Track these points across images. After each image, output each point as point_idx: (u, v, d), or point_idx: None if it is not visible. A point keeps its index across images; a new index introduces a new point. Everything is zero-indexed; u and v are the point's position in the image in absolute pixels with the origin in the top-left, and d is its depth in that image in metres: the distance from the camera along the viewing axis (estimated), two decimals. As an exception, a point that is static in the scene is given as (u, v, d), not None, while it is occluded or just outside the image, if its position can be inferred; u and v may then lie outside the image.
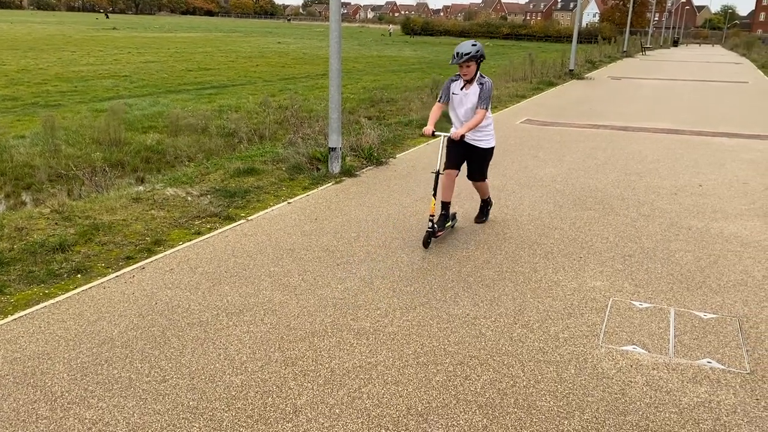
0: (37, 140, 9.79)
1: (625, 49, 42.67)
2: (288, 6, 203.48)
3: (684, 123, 12.56)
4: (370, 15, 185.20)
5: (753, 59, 39.81)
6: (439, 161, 5.37)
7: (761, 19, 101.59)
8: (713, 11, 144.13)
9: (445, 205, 5.54)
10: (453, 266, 4.91)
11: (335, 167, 7.67)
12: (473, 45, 5.16)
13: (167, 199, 6.41)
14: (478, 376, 3.39)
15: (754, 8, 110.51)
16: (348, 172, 7.69)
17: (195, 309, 4.09)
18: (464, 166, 5.66)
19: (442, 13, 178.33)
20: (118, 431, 2.90)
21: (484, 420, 3.03)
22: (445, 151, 5.43)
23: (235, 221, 5.90)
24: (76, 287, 4.40)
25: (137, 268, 4.76)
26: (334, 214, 6.15)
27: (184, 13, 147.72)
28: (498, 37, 70.18)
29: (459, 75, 5.32)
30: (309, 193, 6.93)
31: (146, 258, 4.96)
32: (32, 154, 9.05)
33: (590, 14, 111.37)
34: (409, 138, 10.32)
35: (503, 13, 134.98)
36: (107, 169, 7.68)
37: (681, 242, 5.56)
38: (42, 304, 4.12)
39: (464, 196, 6.52)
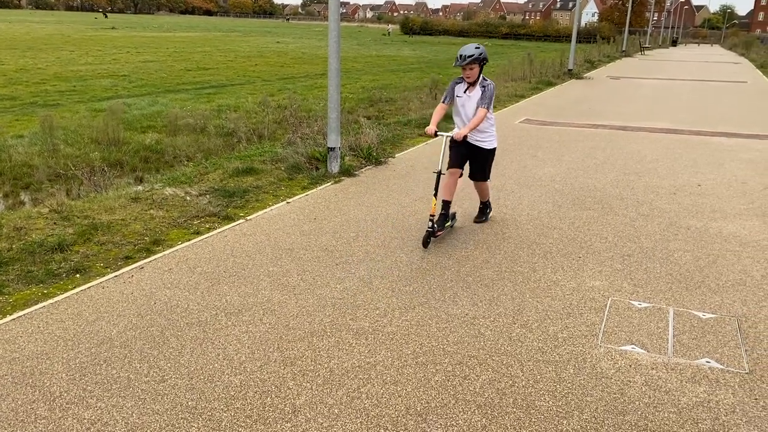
0: (36, 140, 9.78)
1: (624, 49, 42.70)
2: (287, 5, 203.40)
3: (683, 123, 12.57)
4: (369, 14, 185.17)
5: (752, 59, 39.84)
6: (441, 161, 5.39)
7: (760, 19, 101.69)
8: (712, 11, 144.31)
9: (446, 205, 5.55)
10: (452, 266, 4.91)
11: (334, 167, 7.67)
12: (476, 48, 5.21)
13: (166, 198, 6.40)
14: (477, 375, 3.39)
15: (752, 8, 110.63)
16: (347, 172, 7.68)
17: (194, 309, 4.09)
18: (466, 167, 5.67)
19: (440, 13, 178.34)
20: (116, 431, 2.89)
21: (483, 420, 3.03)
22: (447, 151, 5.46)
23: (234, 221, 5.90)
24: (74, 287, 4.40)
25: (136, 267, 4.76)
26: (333, 214, 6.15)
27: (182, 12, 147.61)
28: (497, 37, 70.18)
29: (463, 78, 5.37)
30: (308, 192, 6.93)
31: (145, 258, 4.96)
32: (31, 153, 9.04)
33: (589, 14, 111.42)
34: (408, 138, 10.32)
35: (502, 13, 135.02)
36: (106, 168, 7.67)
37: (680, 242, 5.56)
38: (40, 304, 4.12)
39: (464, 196, 6.52)
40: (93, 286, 4.42)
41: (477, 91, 5.30)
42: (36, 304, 4.13)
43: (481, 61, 5.19)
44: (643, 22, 74.11)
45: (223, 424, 2.96)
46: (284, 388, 3.25)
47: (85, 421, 2.96)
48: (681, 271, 4.89)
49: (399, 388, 3.26)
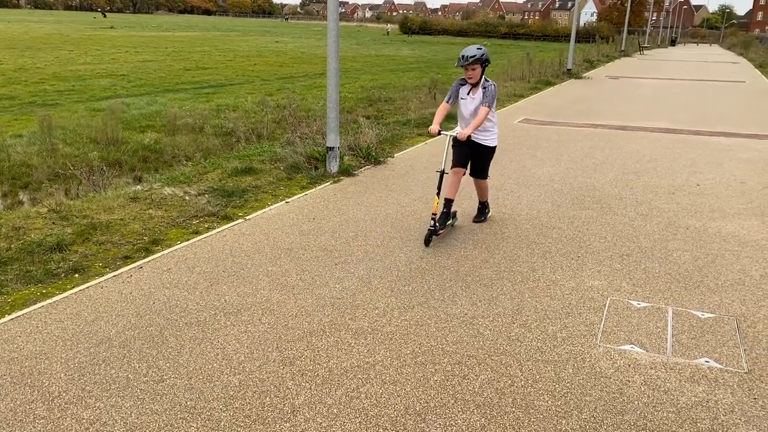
0: (35, 139, 9.77)
1: (623, 49, 42.70)
2: (285, 5, 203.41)
3: (682, 122, 12.57)
4: (368, 14, 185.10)
5: (750, 58, 39.87)
6: (444, 160, 5.42)
7: (759, 19, 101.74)
8: (711, 11, 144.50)
9: (448, 203, 5.59)
10: (451, 266, 4.91)
11: (333, 167, 7.67)
12: (478, 49, 5.29)
13: (165, 198, 6.40)
14: (476, 375, 3.39)
15: (751, 8, 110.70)
16: (346, 172, 7.68)
17: (193, 309, 4.09)
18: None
19: (439, 13, 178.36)
20: (115, 431, 2.89)
21: (482, 420, 3.03)
22: (450, 150, 5.52)
23: (233, 221, 5.89)
24: (73, 287, 4.39)
25: (135, 267, 4.76)
26: (332, 214, 6.14)
27: (181, 12, 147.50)
28: (496, 37, 70.14)
29: (465, 79, 5.43)
30: (307, 192, 6.93)
31: (144, 257, 4.95)
32: (29, 153, 9.03)
33: (588, 13, 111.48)
34: (407, 137, 10.32)
35: (501, 13, 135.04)
36: (105, 168, 7.66)
37: (679, 242, 5.57)
38: (39, 304, 4.11)
39: (463, 196, 6.52)
40: (92, 285, 4.41)
41: (480, 93, 5.39)
42: (35, 303, 4.13)
43: (483, 62, 5.27)
44: (642, 21, 74.13)
45: (222, 423, 2.96)
46: (283, 387, 3.25)
47: (84, 421, 2.95)
48: (680, 271, 4.89)
49: (398, 388, 3.26)
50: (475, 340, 3.76)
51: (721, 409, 3.14)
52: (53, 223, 5.52)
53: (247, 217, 5.99)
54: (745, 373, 3.47)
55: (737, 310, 4.24)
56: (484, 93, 5.34)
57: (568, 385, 3.32)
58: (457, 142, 5.46)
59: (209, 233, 5.53)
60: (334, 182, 7.36)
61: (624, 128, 11.68)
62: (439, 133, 5.43)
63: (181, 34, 52.07)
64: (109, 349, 3.57)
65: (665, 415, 3.09)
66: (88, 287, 4.38)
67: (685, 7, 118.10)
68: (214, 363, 3.45)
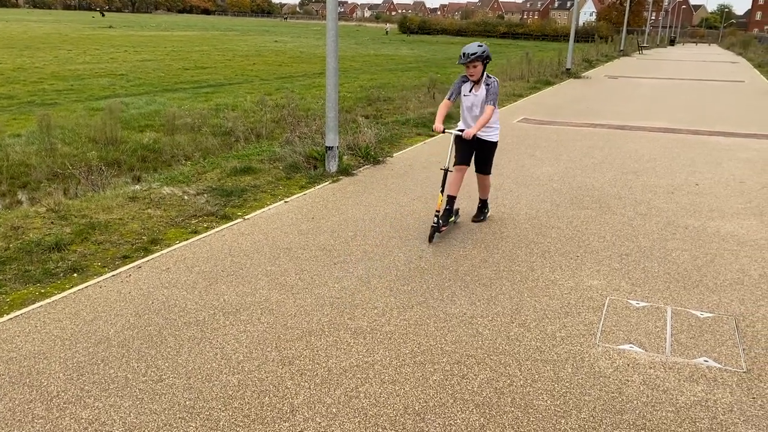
0: (33, 139, 9.76)
1: (621, 48, 42.71)
2: (285, 4, 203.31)
3: (681, 122, 12.58)
4: (367, 14, 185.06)
5: (749, 58, 39.89)
6: (448, 158, 5.46)
7: (757, 18, 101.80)
8: (710, 10, 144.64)
9: (451, 200, 5.64)
10: (450, 265, 4.91)
11: (332, 166, 7.66)
12: (479, 46, 5.32)
13: (164, 198, 6.39)
14: (475, 375, 3.39)
15: (750, 7, 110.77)
16: (345, 171, 7.68)
17: (191, 308, 4.08)
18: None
19: (438, 12, 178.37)
20: (114, 431, 2.89)
21: (481, 419, 3.03)
22: (453, 147, 5.55)
23: (232, 220, 5.89)
24: (72, 286, 4.39)
25: (134, 267, 4.75)
26: (331, 213, 6.14)
27: (180, 11, 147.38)
28: (495, 36, 70.14)
29: (467, 76, 5.46)
30: (306, 192, 6.92)
31: (143, 257, 4.95)
32: (28, 152, 9.02)
33: (587, 13, 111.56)
34: (406, 137, 10.32)
35: (500, 12, 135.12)
36: (103, 167, 7.65)
37: (678, 241, 5.57)
38: (38, 304, 4.11)
39: (462, 196, 6.51)
40: (90, 285, 4.41)
41: (482, 90, 5.42)
42: (33, 303, 4.12)
43: (484, 59, 5.30)
44: (641, 21, 74.17)
45: (221, 423, 2.95)
46: (282, 387, 3.24)
47: (83, 420, 2.95)
48: (679, 271, 4.89)
49: (397, 388, 3.26)
50: (474, 340, 3.76)
51: (719, 409, 3.14)
52: (52, 222, 5.51)
53: (246, 217, 5.99)
54: (744, 372, 3.47)
55: (736, 309, 4.24)
56: (487, 90, 5.38)
57: (567, 384, 3.32)
58: (460, 140, 5.49)
59: (208, 233, 5.53)
60: (333, 182, 7.35)
61: (623, 128, 11.68)
62: (443, 132, 5.46)
63: (180, 34, 52.02)
64: (108, 349, 3.56)
65: (664, 414, 3.09)
66: (86, 287, 4.38)
67: (683, 6, 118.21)
68: (213, 363, 3.45)
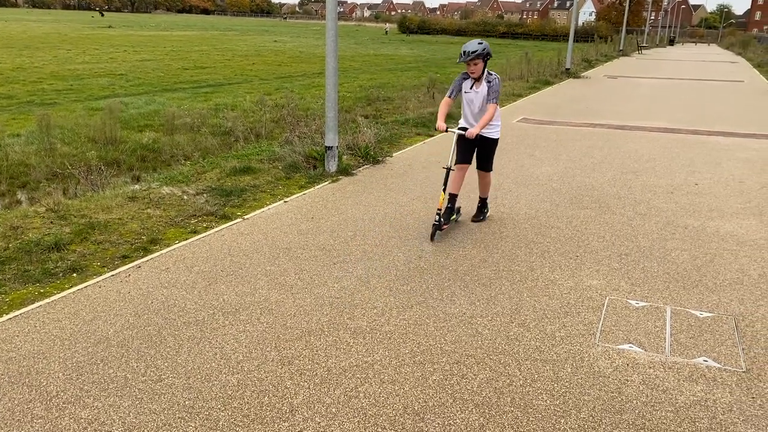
0: (33, 139, 9.75)
1: (621, 48, 42.71)
2: (284, 4, 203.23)
3: (680, 122, 12.58)
4: (367, 13, 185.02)
5: (749, 58, 39.91)
6: (450, 157, 5.48)
7: (757, 18, 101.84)
8: (709, 10, 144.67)
9: (453, 198, 5.67)
10: (450, 265, 4.91)
11: (332, 166, 7.66)
12: (479, 43, 5.31)
13: (163, 197, 6.39)
14: (474, 375, 3.39)
15: (749, 7, 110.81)
16: (344, 171, 7.68)
17: (191, 308, 4.08)
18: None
19: (438, 12, 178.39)
20: (113, 431, 2.89)
21: (481, 419, 3.03)
22: (456, 146, 5.57)
23: (232, 220, 5.89)
24: (71, 286, 4.39)
25: (133, 267, 4.75)
26: (330, 213, 6.14)
27: (180, 11, 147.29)
28: (494, 36, 70.13)
29: (468, 73, 5.47)
30: (305, 191, 6.92)
31: (142, 257, 4.95)
32: (27, 152, 9.01)
33: (586, 13, 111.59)
34: (405, 137, 10.32)
35: (500, 12, 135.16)
36: (103, 167, 7.65)
37: (677, 241, 5.57)
38: (37, 304, 4.11)
39: (462, 195, 6.51)
40: (90, 285, 4.41)
41: (483, 87, 5.42)
42: (33, 303, 4.12)
43: (484, 56, 5.31)
44: (641, 21, 74.18)
45: (221, 423, 2.95)
46: (282, 387, 3.24)
47: (82, 420, 2.95)
48: (678, 270, 4.89)
49: (397, 388, 3.26)
50: (474, 340, 3.76)
51: (719, 409, 3.15)
52: (51, 222, 5.51)
53: (246, 217, 5.99)
54: (744, 372, 3.48)
55: (735, 309, 4.24)
56: (489, 87, 5.38)
57: (566, 384, 3.32)
58: (462, 139, 5.50)
59: (207, 233, 5.53)
60: (333, 182, 7.35)
61: (622, 128, 11.68)
62: (446, 130, 5.47)
63: (180, 34, 52.00)
64: (107, 349, 3.56)
65: (663, 414, 3.09)
66: (86, 287, 4.38)
67: (683, 6, 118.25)
68: (213, 362, 3.45)
